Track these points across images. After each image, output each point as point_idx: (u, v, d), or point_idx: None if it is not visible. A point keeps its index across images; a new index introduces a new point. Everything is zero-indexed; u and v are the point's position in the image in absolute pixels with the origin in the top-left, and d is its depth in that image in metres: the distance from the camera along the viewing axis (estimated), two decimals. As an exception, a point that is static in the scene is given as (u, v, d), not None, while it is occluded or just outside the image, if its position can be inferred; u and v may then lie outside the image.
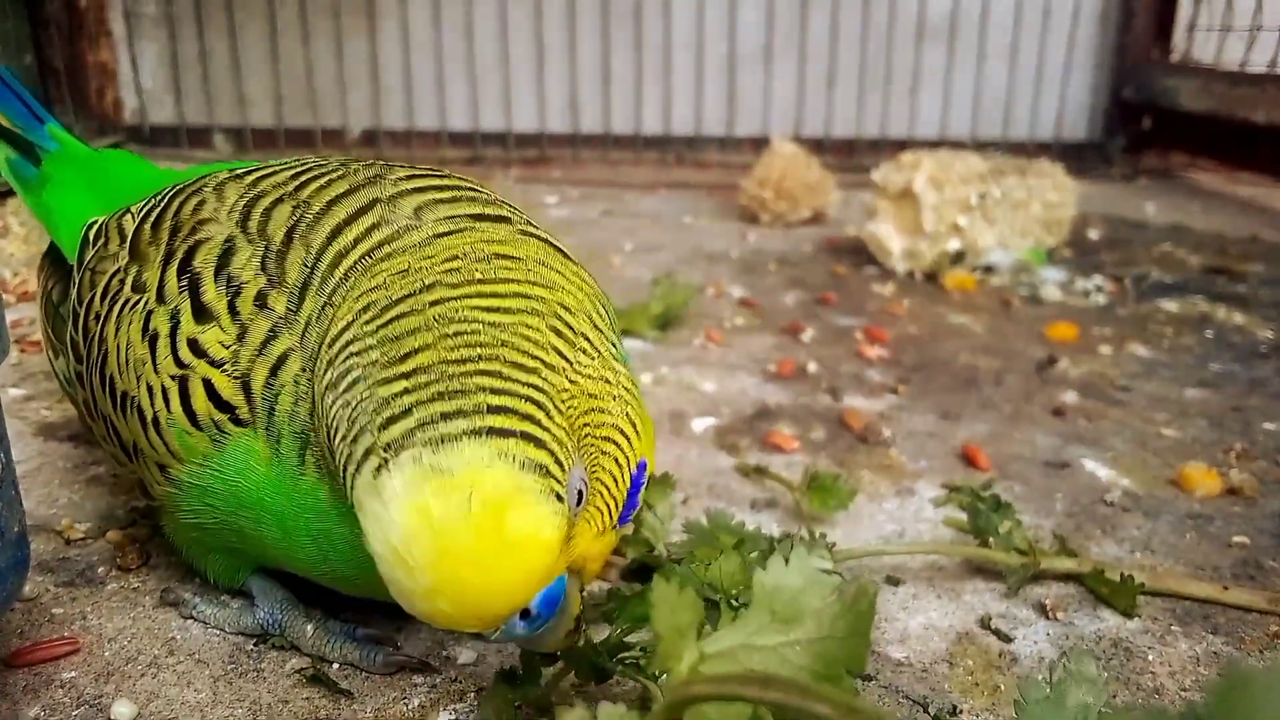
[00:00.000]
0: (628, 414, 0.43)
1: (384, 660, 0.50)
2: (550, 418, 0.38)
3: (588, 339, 0.43)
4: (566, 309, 0.43)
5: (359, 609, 0.53)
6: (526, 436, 0.37)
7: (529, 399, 0.38)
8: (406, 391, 0.37)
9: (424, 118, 1.95)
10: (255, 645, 0.52)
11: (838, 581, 0.39)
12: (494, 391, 0.37)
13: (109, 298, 0.51)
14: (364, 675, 0.50)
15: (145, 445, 0.48)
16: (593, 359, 0.42)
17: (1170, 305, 1.17)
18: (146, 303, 0.48)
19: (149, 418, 0.47)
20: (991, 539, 0.59)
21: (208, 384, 0.45)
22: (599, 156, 1.98)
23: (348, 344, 0.40)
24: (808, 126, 1.98)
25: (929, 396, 0.88)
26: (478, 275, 0.42)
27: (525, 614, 0.38)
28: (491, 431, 0.36)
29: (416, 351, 0.38)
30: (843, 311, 1.13)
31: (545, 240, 0.48)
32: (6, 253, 1.12)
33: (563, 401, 0.40)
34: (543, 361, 0.40)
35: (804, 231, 1.53)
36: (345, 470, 0.38)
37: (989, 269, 1.29)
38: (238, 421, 0.45)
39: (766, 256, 1.37)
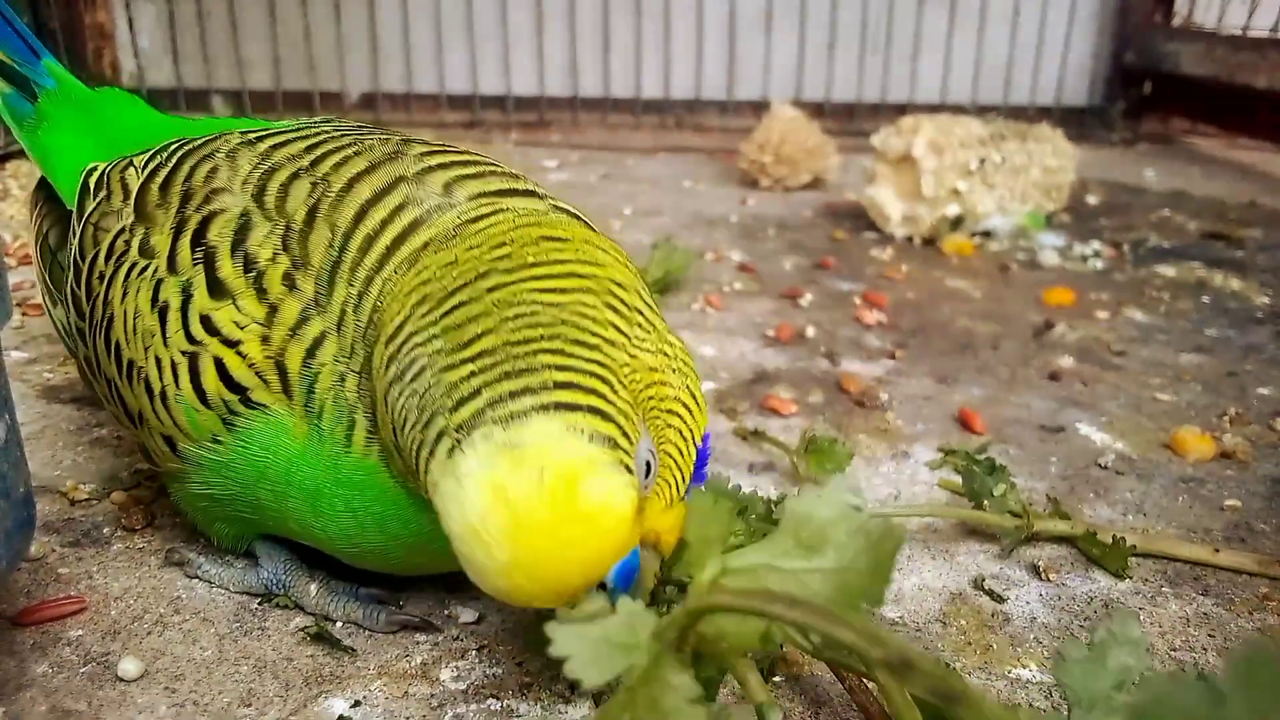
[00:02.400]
0: (688, 386, 0.44)
1: (387, 619, 0.50)
2: (615, 392, 0.39)
3: (641, 314, 0.43)
4: (619, 285, 0.43)
5: (362, 570, 0.54)
6: (593, 410, 0.37)
7: (593, 374, 0.38)
8: (473, 374, 0.38)
9: (423, 81, 1.94)
10: (260, 604, 0.52)
11: (866, 518, 0.40)
12: (559, 368, 0.38)
13: (114, 258, 0.50)
14: (367, 634, 0.51)
15: (151, 417, 0.48)
16: (648, 333, 0.43)
17: (1168, 270, 1.17)
18: (156, 270, 0.48)
19: (156, 390, 0.47)
20: (986, 501, 0.60)
21: (219, 363, 0.45)
22: (598, 120, 1.97)
23: (409, 337, 0.40)
24: (808, 90, 1.97)
25: (926, 361, 0.89)
26: (529, 259, 0.42)
27: (601, 588, 0.39)
28: (559, 406, 0.37)
29: (480, 336, 0.39)
30: (841, 276, 1.13)
31: (576, 216, 0.48)
32: (6, 215, 1.12)
33: (625, 376, 0.40)
34: (603, 338, 0.40)
35: (803, 196, 1.53)
36: (418, 457, 0.38)
37: (987, 234, 1.29)
38: (249, 403, 0.45)
39: (766, 221, 1.37)
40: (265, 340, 0.45)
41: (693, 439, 0.44)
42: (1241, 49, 1.65)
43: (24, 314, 0.91)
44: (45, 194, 0.62)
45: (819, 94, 1.97)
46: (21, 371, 0.79)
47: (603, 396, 0.38)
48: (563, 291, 0.41)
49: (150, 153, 0.54)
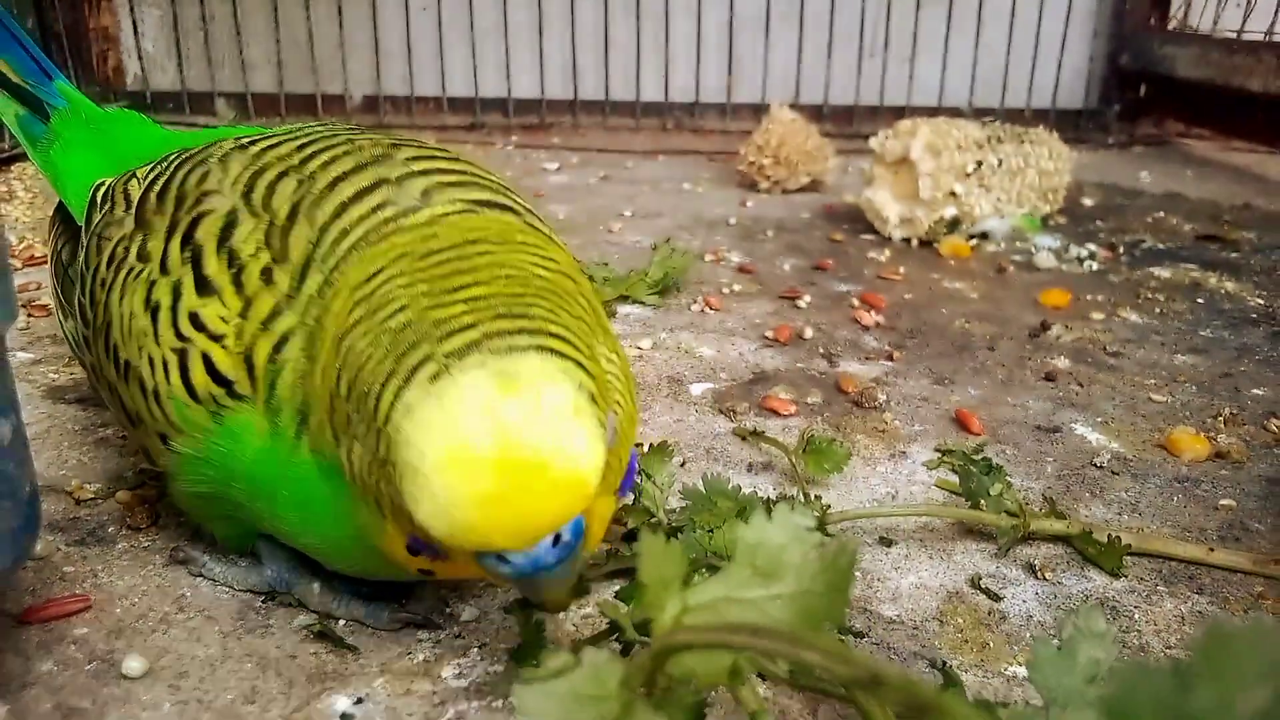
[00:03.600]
0: (630, 392, 0.45)
1: (389, 617, 0.51)
2: (593, 360, 0.40)
3: (599, 317, 0.44)
4: (586, 290, 0.45)
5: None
6: (580, 365, 0.38)
7: (579, 335, 0.39)
8: (465, 313, 0.38)
9: (424, 84, 1.95)
10: (263, 602, 0.53)
11: (819, 538, 0.40)
12: (550, 320, 0.39)
13: (114, 265, 0.51)
14: (370, 631, 0.51)
15: (146, 415, 0.49)
16: (606, 336, 0.44)
17: (1163, 272, 1.18)
18: (150, 273, 0.49)
19: (149, 389, 0.48)
20: (982, 501, 0.60)
21: (206, 358, 0.46)
22: (598, 123, 1.98)
23: (386, 280, 0.41)
24: (806, 93, 1.97)
25: (923, 361, 0.89)
26: (518, 239, 0.43)
27: (555, 540, 0.38)
28: (554, 351, 0.38)
29: (470, 285, 0.39)
30: (839, 278, 1.13)
31: (550, 237, 0.49)
32: (12, 217, 1.12)
33: (595, 354, 0.41)
34: (582, 317, 0.41)
35: (802, 198, 1.53)
36: (380, 391, 0.37)
37: (984, 236, 1.29)
38: (234, 395, 0.46)
39: (765, 223, 1.37)
40: (239, 334, 0.45)
41: (629, 439, 0.45)
42: (1236, 52, 1.66)
43: (30, 315, 0.91)
44: (62, 215, 0.63)
45: (817, 97, 1.97)
46: (27, 372, 0.79)
47: (589, 358, 0.39)
48: (548, 270, 0.42)
49: (153, 164, 0.55)
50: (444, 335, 0.37)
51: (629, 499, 0.59)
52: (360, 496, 0.42)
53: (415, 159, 0.49)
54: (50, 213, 0.65)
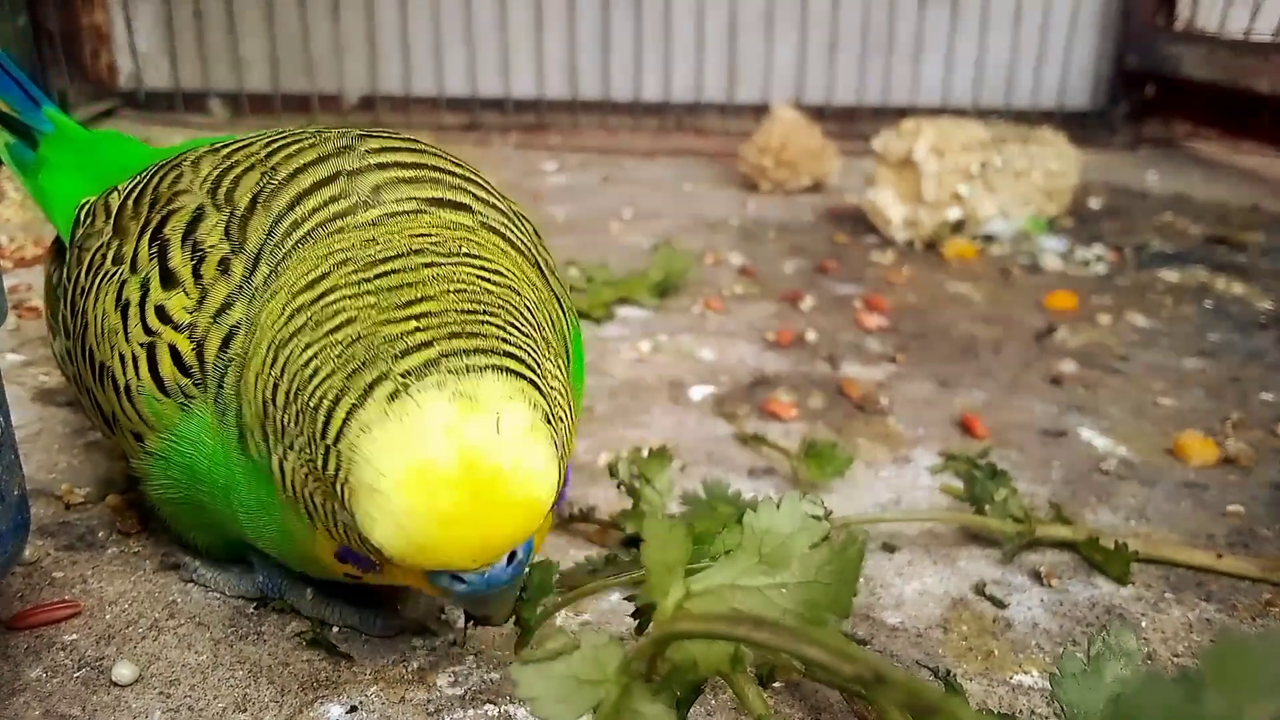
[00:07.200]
0: (571, 405, 0.44)
1: (383, 624, 0.50)
2: (544, 378, 0.40)
3: (544, 331, 0.44)
4: (531, 302, 0.44)
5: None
6: (533, 385, 0.38)
7: (529, 353, 0.39)
8: (419, 330, 0.38)
9: (421, 83, 1.94)
10: (255, 609, 0.52)
11: (827, 528, 0.39)
12: (504, 340, 0.39)
13: (92, 272, 0.51)
14: (363, 638, 0.50)
15: (121, 415, 0.48)
16: (549, 347, 0.43)
17: (1170, 275, 1.17)
18: (122, 273, 0.48)
19: (122, 386, 0.47)
20: (987, 506, 0.60)
21: (173, 349, 0.45)
22: (598, 123, 1.97)
23: (330, 289, 0.40)
24: (809, 93, 1.96)
25: (927, 365, 0.88)
26: (463, 249, 0.43)
27: (510, 557, 0.39)
28: (509, 371, 0.38)
29: (422, 300, 0.39)
30: (842, 280, 1.13)
31: (502, 235, 0.48)
32: (3, 218, 1.11)
33: (546, 371, 0.41)
34: (532, 333, 0.41)
35: (804, 199, 1.52)
36: (331, 408, 0.37)
37: (989, 238, 1.29)
38: (200, 385, 0.45)
39: (766, 224, 1.37)
40: (193, 327, 0.45)
41: (568, 454, 0.44)
42: (1244, 53, 1.65)
43: (19, 316, 0.91)
44: (59, 245, 0.63)
45: (820, 97, 1.96)
46: (17, 374, 0.79)
47: (539, 375, 0.39)
48: (494, 284, 0.42)
49: (133, 177, 0.54)
50: (400, 353, 0.37)
51: (630, 502, 0.58)
52: (289, 504, 0.41)
53: (377, 150, 0.49)
54: (40, 214, 0.64)
